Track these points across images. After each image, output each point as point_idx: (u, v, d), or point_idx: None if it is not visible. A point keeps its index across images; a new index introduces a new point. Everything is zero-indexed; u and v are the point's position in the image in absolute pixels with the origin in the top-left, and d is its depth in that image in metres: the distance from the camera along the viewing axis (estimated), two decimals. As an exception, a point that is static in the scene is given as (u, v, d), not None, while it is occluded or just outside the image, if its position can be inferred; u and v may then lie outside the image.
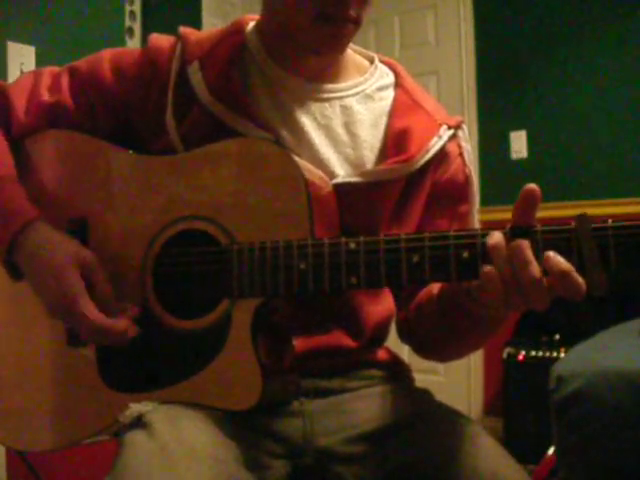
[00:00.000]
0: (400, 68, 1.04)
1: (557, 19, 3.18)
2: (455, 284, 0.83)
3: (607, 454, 1.25)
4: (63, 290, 0.84)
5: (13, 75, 1.96)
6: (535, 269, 0.69)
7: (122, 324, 0.84)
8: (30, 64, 2.01)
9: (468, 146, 1.00)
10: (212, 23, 3.40)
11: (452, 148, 0.98)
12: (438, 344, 0.97)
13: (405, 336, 1.00)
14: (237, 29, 0.98)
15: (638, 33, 3.00)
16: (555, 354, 2.61)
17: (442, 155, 0.97)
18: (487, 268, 0.71)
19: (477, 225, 1.00)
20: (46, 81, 0.99)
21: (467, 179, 0.99)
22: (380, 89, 1.00)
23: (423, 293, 0.96)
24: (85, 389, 0.90)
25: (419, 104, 0.98)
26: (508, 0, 3.35)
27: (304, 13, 0.86)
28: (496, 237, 0.71)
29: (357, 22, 0.88)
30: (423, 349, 0.99)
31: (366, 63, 1.03)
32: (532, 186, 0.72)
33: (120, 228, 0.91)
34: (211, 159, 0.88)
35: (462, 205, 0.99)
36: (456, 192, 0.99)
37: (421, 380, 1.04)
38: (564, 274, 0.68)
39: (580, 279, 0.68)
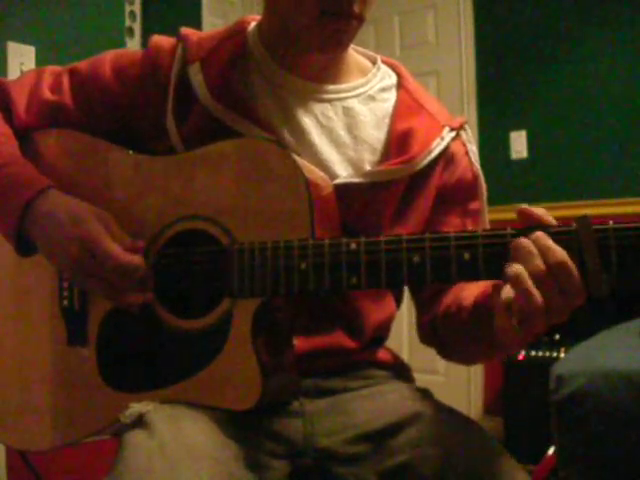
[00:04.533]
0: (402, 69, 1.03)
1: (557, 19, 3.18)
2: (488, 305, 0.81)
3: (607, 454, 1.25)
4: (85, 233, 0.84)
5: (13, 75, 1.96)
6: (559, 251, 0.69)
7: (142, 265, 0.85)
8: (30, 64, 2.01)
9: (473, 147, 1.01)
10: (212, 22, 3.40)
11: (457, 149, 0.99)
12: (466, 352, 0.96)
13: (427, 339, 1.00)
14: (238, 30, 0.98)
15: (638, 33, 3.00)
16: (555, 354, 2.61)
17: (448, 157, 0.97)
18: (513, 266, 0.70)
19: (487, 222, 1.00)
20: (47, 80, 0.99)
21: (475, 178, 1.00)
22: (383, 90, 1.00)
23: (451, 300, 0.94)
24: (85, 389, 0.90)
25: (422, 105, 0.99)
26: (508, 0, 3.35)
27: (307, 10, 0.86)
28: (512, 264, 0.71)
29: (360, 18, 0.88)
30: (449, 353, 0.99)
31: (368, 64, 1.03)
32: (519, 208, 0.73)
33: (121, 228, 0.90)
34: (212, 159, 0.88)
35: (473, 202, 1.00)
36: (466, 190, 0.99)
37: (421, 380, 1.04)
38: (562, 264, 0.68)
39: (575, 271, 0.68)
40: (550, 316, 0.70)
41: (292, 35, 0.92)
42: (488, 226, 0.99)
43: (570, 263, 0.68)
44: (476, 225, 0.99)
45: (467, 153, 0.99)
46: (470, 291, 0.89)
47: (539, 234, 0.70)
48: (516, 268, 0.69)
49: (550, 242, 0.69)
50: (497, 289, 0.77)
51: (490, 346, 0.87)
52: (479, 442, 0.85)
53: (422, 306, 1.00)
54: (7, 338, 0.98)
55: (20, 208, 0.87)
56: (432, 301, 0.98)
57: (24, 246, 0.90)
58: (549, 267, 0.68)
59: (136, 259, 0.85)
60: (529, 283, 0.68)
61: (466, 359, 1.01)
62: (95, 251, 0.83)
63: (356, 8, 0.86)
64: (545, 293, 0.68)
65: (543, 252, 0.69)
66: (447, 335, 0.95)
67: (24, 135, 0.97)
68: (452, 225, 0.97)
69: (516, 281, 0.69)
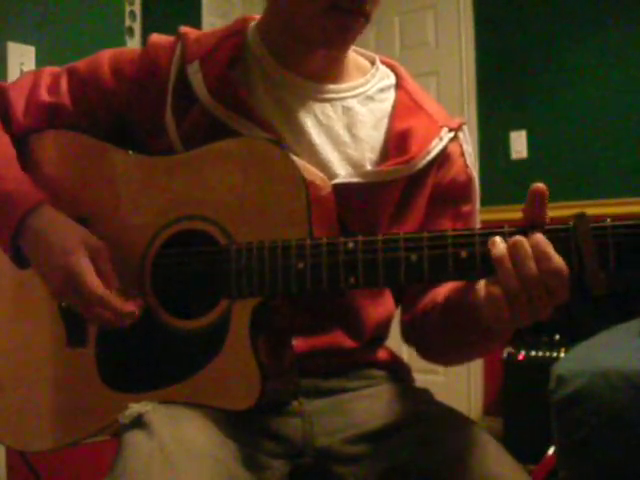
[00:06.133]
0: (401, 69, 1.03)
1: (557, 19, 3.18)
2: (460, 299, 0.83)
3: (607, 454, 1.25)
4: (70, 266, 0.84)
5: (13, 75, 1.96)
6: (557, 260, 0.69)
7: (129, 305, 0.84)
8: (30, 64, 2.01)
9: (469, 147, 1.00)
10: (212, 22, 3.40)
11: (454, 149, 0.98)
12: (441, 350, 0.97)
13: (408, 338, 1.00)
14: (238, 29, 0.98)
15: (638, 33, 3.00)
16: (555, 354, 2.62)
17: (444, 156, 0.97)
18: (498, 246, 0.71)
19: (479, 225, 1.00)
20: (45, 81, 0.99)
21: (469, 179, 0.99)
22: (381, 90, 1.00)
23: (429, 299, 0.95)
24: (85, 389, 0.90)
25: (420, 106, 0.99)
26: (508, 0, 3.35)
27: (318, 3, 0.86)
28: (498, 244, 0.72)
29: (368, 17, 0.89)
30: (426, 353, 0.99)
31: (367, 64, 1.03)
32: (538, 185, 0.72)
33: (119, 228, 0.90)
34: (210, 159, 0.87)
35: (465, 205, 1.00)
36: (458, 192, 0.99)
37: (421, 380, 1.04)
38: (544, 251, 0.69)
39: (560, 261, 0.69)
40: (534, 312, 0.71)
41: (296, 30, 0.92)
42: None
43: (565, 272, 0.69)
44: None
45: (463, 154, 0.99)
46: (444, 288, 0.91)
47: (540, 239, 0.70)
48: (500, 250, 0.71)
49: (549, 249, 0.70)
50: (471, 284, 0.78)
51: (465, 341, 0.88)
52: (479, 442, 0.85)
53: (404, 305, 1.01)
54: (7, 338, 0.98)
55: (14, 224, 0.87)
56: (413, 300, 0.98)
57: (21, 259, 0.90)
58: (541, 272, 0.69)
59: (129, 306, 0.84)
60: (510, 266, 0.70)
61: (442, 358, 1.01)
62: (76, 285, 0.83)
63: (367, 7, 0.87)
64: (532, 292, 0.70)
65: (539, 258, 0.70)
66: (424, 332, 0.96)
67: (23, 138, 0.97)
68: (443, 228, 0.96)
69: (499, 262, 0.71)
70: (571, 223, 0.71)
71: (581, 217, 0.70)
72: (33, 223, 0.87)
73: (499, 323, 0.74)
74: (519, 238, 0.71)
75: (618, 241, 0.69)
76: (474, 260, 0.73)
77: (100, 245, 0.88)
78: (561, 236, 0.71)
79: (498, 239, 0.72)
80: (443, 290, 0.91)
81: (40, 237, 0.87)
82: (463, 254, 0.74)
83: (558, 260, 0.69)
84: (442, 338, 0.92)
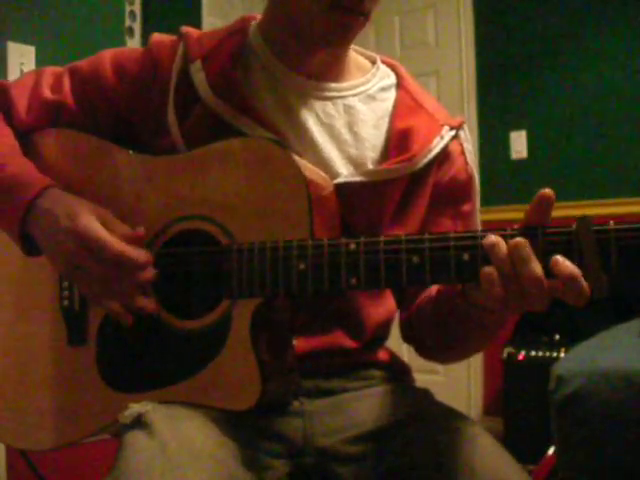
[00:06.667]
0: (401, 69, 1.04)
1: (557, 19, 3.18)
2: (450, 288, 0.83)
3: (607, 454, 1.25)
4: (80, 228, 0.83)
5: (13, 75, 1.96)
6: (537, 266, 0.69)
7: (143, 254, 0.83)
8: (30, 64, 2.01)
9: (469, 146, 1.01)
10: (212, 22, 3.40)
11: (454, 148, 0.99)
12: (437, 347, 0.97)
13: (407, 337, 1.01)
14: (240, 28, 0.99)
15: (638, 34, 3.00)
16: (555, 354, 2.62)
17: (444, 155, 0.97)
18: (487, 269, 0.71)
19: (479, 224, 1.00)
20: (48, 80, 0.99)
21: (469, 178, 1.00)
22: (382, 89, 1.00)
23: (424, 295, 0.96)
24: (85, 388, 0.90)
25: (421, 105, 0.99)
26: (508, 0, 3.35)
27: (319, 2, 0.87)
28: (492, 237, 0.72)
29: (367, 16, 0.90)
30: (424, 351, 1.00)
31: (368, 63, 1.03)
32: (547, 191, 0.72)
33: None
34: (212, 159, 0.87)
35: (465, 204, 1.00)
36: (459, 191, 0.99)
37: (421, 380, 1.04)
38: (573, 278, 0.68)
39: (585, 284, 0.68)
40: (529, 302, 0.71)
41: (297, 28, 0.92)
42: (480, 227, 0.99)
43: (542, 280, 0.69)
44: (467, 228, 0.98)
45: (463, 152, 0.99)
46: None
47: (520, 240, 0.70)
48: (493, 241, 0.71)
49: (527, 252, 0.70)
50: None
51: (460, 334, 0.89)
52: (479, 442, 0.85)
53: (403, 305, 1.01)
54: (8, 337, 0.98)
55: (22, 208, 0.87)
56: (411, 299, 0.99)
57: (29, 246, 0.90)
58: (519, 276, 0.69)
59: (138, 251, 0.83)
60: (504, 254, 0.70)
61: (439, 355, 1.01)
62: (90, 243, 0.82)
63: (366, 5, 0.88)
64: (507, 296, 0.70)
65: (519, 261, 0.70)
66: (420, 328, 0.96)
67: (25, 136, 0.97)
68: (444, 227, 0.97)
69: (492, 250, 0.71)
70: (573, 226, 0.70)
71: (583, 219, 0.70)
72: (41, 204, 0.87)
73: (493, 302, 0.74)
74: (520, 240, 0.71)
75: (620, 244, 0.68)
76: (476, 263, 0.73)
77: (105, 211, 0.87)
78: (563, 239, 0.71)
79: (490, 235, 0.72)
80: (435, 287, 0.92)
81: (48, 214, 0.86)
82: (465, 256, 0.74)
83: (570, 264, 0.69)
84: (437, 332, 0.93)
